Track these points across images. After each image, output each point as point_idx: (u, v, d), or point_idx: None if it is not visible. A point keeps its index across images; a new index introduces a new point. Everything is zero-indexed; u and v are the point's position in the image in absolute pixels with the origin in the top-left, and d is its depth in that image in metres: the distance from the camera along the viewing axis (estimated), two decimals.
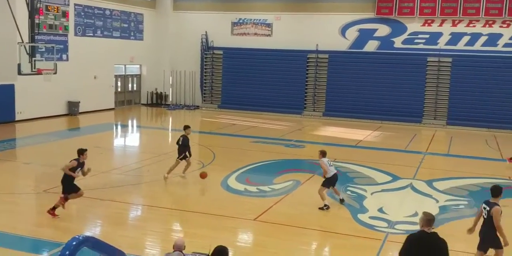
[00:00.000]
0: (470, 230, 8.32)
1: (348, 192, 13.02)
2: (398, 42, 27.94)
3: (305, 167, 16.11)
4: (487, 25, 26.48)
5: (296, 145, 19.83)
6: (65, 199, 10.44)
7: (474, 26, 26.66)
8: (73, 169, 10.36)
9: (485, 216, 7.94)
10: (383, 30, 28.15)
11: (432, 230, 5.99)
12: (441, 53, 26.88)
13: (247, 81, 30.01)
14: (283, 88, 29.37)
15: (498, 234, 7.80)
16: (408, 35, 27.76)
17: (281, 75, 29.38)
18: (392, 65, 27.51)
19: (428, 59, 27.08)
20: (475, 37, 26.68)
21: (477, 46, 26.64)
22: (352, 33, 28.71)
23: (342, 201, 12.07)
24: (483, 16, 26.34)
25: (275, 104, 29.24)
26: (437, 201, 12.48)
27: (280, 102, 29.27)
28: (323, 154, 11.90)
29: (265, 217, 10.77)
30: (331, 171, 11.73)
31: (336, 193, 12.10)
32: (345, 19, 28.71)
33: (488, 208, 7.88)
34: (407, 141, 21.83)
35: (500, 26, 26.26)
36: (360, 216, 11.12)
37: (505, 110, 25.45)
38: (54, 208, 10.31)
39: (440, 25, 27.17)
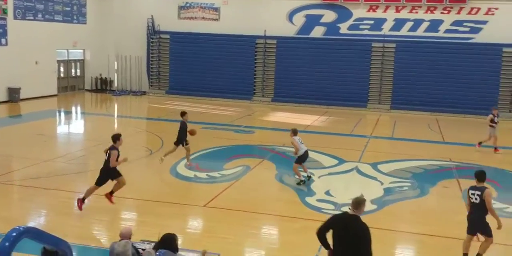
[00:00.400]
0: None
1: (297, 176, 13.21)
2: (344, 28, 28.35)
3: (255, 152, 16.21)
4: (429, 11, 27.28)
5: (246, 131, 19.89)
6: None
7: (417, 12, 27.41)
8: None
9: (476, 201, 7.99)
10: (329, 16, 28.46)
11: (355, 213, 5.98)
12: (385, 38, 27.51)
13: (195, 66, 29.68)
14: (232, 74, 29.27)
15: (493, 218, 7.91)
16: (354, 21, 28.21)
17: (229, 61, 29.24)
18: (338, 51, 27.92)
19: (372, 45, 27.66)
20: (417, 23, 27.44)
21: (420, 32, 27.42)
22: (299, 19, 28.87)
23: (309, 177, 12.66)
24: (425, 3, 27.10)
25: (224, 90, 29.12)
26: (382, 183, 12.88)
27: (229, 87, 29.17)
28: (294, 132, 12.52)
29: (215, 203, 10.79)
30: (302, 149, 12.33)
31: (304, 170, 12.67)
32: (293, 5, 28.81)
33: (479, 193, 7.97)
34: (353, 125, 22.34)
35: (441, 13, 27.12)
36: (308, 199, 11.34)
37: (446, 95, 26.43)
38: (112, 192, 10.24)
39: (384, 11, 27.76)
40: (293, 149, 12.70)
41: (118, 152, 10.01)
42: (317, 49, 28.19)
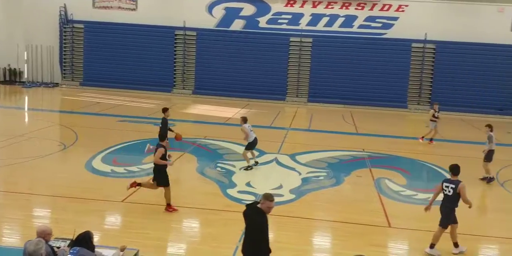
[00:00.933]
0: (427, 208, 8.91)
1: (218, 169, 13.25)
2: (263, 21, 28.67)
3: (175, 145, 15.99)
4: (344, 7, 28.23)
5: None
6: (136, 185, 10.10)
7: (333, 7, 28.27)
8: (163, 157, 9.83)
9: (450, 193, 8.44)
10: (248, 9, 28.64)
11: (258, 205, 6.36)
12: (302, 33, 28.15)
13: (112, 57, 28.77)
14: (151, 65, 28.69)
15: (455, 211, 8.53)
16: (272, 15, 28.60)
17: (148, 52, 28.62)
18: (257, 44, 28.20)
19: (290, 39, 28.22)
20: (333, 18, 28.33)
21: (335, 27, 28.34)
22: (219, 11, 28.81)
23: (256, 163, 13.40)
24: None
25: (143, 82, 28.48)
26: (300, 174, 13.24)
27: (148, 79, 28.57)
28: (244, 120, 13.31)
29: (133, 198, 10.56)
30: (252, 136, 13.17)
31: (253, 155, 13.57)
32: None
33: (453, 186, 8.41)
34: (272, 117, 22.72)
35: (356, 8, 28.17)
36: (229, 191, 11.41)
37: (360, 88, 27.56)
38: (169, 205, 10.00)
39: (302, 6, 28.38)
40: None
41: (166, 150, 9.94)
42: (237, 42, 28.30)
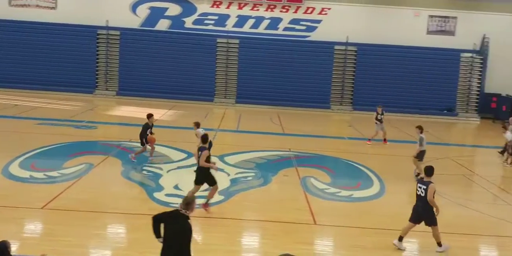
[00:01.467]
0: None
1: (144, 172, 12.97)
2: (189, 22, 28.46)
3: (98, 149, 15.51)
4: (269, 10, 28.63)
5: (88, 126, 18.92)
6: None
7: (258, 10, 28.58)
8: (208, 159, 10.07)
9: (422, 194, 8.72)
10: (174, 9, 28.33)
11: (185, 212, 6.11)
12: (229, 34, 28.23)
13: (29, 58, 27.39)
14: (72, 66, 27.61)
15: (433, 210, 8.67)
16: (198, 15, 28.47)
17: (68, 52, 27.53)
18: (184, 45, 27.95)
19: (217, 40, 28.21)
20: (259, 20, 28.65)
21: (261, 29, 28.67)
22: (144, 11, 28.27)
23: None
24: (265, 1, 28.39)
25: (63, 83, 27.33)
26: (229, 175, 13.24)
27: (68, 80, 27.47)
28: (197, 125, 13.64)
29: (54, 204, 10.09)
30: None
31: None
32: None
33: (425, 187, 8.68)
34: (200, 119, 22.47)
35: (281, 11, 28.65)
36: (156, 194, 11.19)
37: (286, 89, 28.02)
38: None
39: (228, 7, 28.46)
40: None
41: (209, 152, 10.19)
42: (162, 42, 27.89)
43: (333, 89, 28.55)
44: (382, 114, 18.78)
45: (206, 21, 28.53)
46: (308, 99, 27.89)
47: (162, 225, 6.24)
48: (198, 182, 10.47)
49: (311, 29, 28.67)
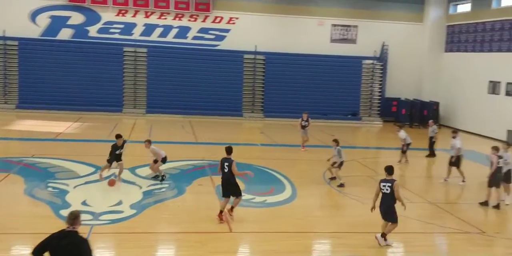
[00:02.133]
0: (373, 208, 9.62)
1: (50, 189, 12.32)
2: (93, 31, 27.54)
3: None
4: (177, 18, 28.44)
5: None
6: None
7: (166, 18, 28.30)
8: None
9: (387, 191, 9.34)
10: (76, 18, 27.29)
11: (72, 229, 5.74)
12: (136, 43, 27.67)
13: None
14: None
15: (395, 208, 9.44)
16: (103, 24, 27.63)
17: None
18: (88, 54, 26.96)
19: (124, 49, 27.53)
20: (167, 29, 28.35)
21: (170, 37, 28.38)
22: (44, 20, 26.96)
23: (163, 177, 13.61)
24: (173, 9, 28.16)
25: None
26: (141, 187, 12.92)
27: None
28: (149, 142, 13.67)
29: None
30: (163, 154, 13.64)
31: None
32: (34, 5, 26.76)
33: (389, 184, 9.33)
34: (109, 130, 21.83)
35: (189, 20, 28.56)
36: (62, 212, 10.62)
37: (198, 98, 27.88)
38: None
39: (134, 15, 27.90)
40: None
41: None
42: (65, 52, 26.73)
43: (244, 97, 28.86)
44: (307, 121, 19.27)
45: (111, 30, 27.74)
46: (220, 107, 27.98)
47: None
48: (234, 194, 10.74)
49: (220, 38, 28.84)
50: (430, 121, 19.72)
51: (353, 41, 30.09)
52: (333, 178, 14.54)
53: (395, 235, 10.12)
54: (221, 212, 10.57)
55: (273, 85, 28.74)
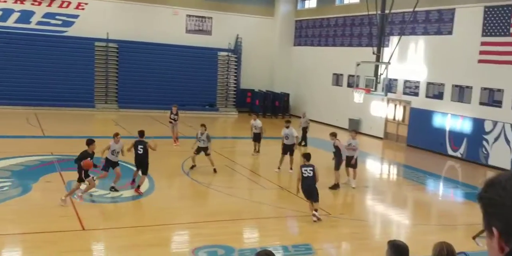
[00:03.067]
0: (298, 191, 10.83)
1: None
2: None
3: None
4: (19, 2, 26.07)
5: None
6: None
7: (6, 1, 25.78)
8: None
9: (310, 174, 10.66)
10: None
11: None
12: None
13: None
14: None
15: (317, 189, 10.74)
16: None
17: None
18: None
19: None
20: (7, 13, 25.87)
21: (10, 22, 25.97)
22: None
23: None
24: None
25: None
26: None
27: None
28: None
29: None
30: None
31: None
32: None
33: (311, 168, 10.70)
34: None
35: (32, 4, 26.33)
36: None
37: (45, 88, 25.90)
38: None
39: None
40: None
41: None
42: None
43: (96, 87, 27.52)
44: (177, 114, 18.53)
45: None
46: (70, 98, 26.32)
47: None
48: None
49: (68, 24, 27.07)
50: (303, 113, 20.73)
51: (208, 32, 30.34)
52: (193, 167, 14.62)
53: (250, 221, 10.50)
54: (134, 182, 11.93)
55: (127, 74, 27.84)
